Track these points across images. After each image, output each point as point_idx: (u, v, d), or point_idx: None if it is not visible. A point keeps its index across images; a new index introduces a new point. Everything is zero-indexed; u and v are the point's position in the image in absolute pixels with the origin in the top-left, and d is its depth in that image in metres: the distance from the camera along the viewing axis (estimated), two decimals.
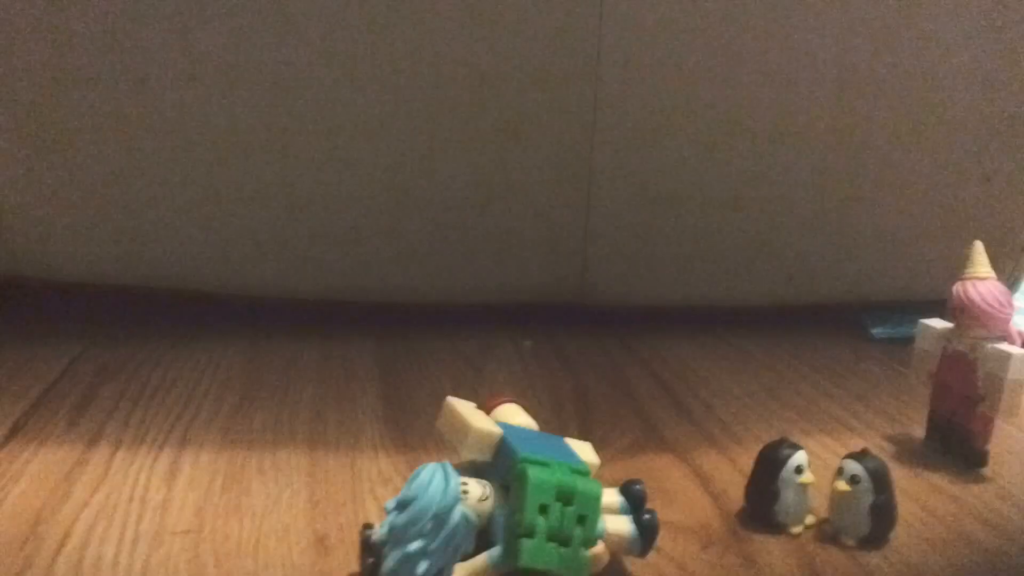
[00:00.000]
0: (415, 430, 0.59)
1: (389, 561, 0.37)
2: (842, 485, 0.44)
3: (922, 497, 0.51)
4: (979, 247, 0.53)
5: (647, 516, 0.41)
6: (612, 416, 0.62)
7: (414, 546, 0.36)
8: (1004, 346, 0.51)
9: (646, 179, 0.70)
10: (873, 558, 0.45)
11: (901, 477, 0.53)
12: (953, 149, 0.71)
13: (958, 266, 0.53)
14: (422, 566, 0.36)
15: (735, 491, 0.51)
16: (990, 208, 0.73)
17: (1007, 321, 0.52)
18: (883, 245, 0.74)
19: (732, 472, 0.54)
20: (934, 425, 0.57)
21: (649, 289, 0.76)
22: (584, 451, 0.43)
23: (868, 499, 0.44)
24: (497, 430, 0.41)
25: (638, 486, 0.43)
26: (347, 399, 0.64)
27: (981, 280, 0.52)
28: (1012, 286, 0.80)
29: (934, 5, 0.66)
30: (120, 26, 0.64)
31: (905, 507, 0.49)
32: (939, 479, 0.53)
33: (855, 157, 0.70)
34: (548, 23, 0.65)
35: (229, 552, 0.44)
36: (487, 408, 0.44)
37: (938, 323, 0.56)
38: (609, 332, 0.80)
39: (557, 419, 0.61)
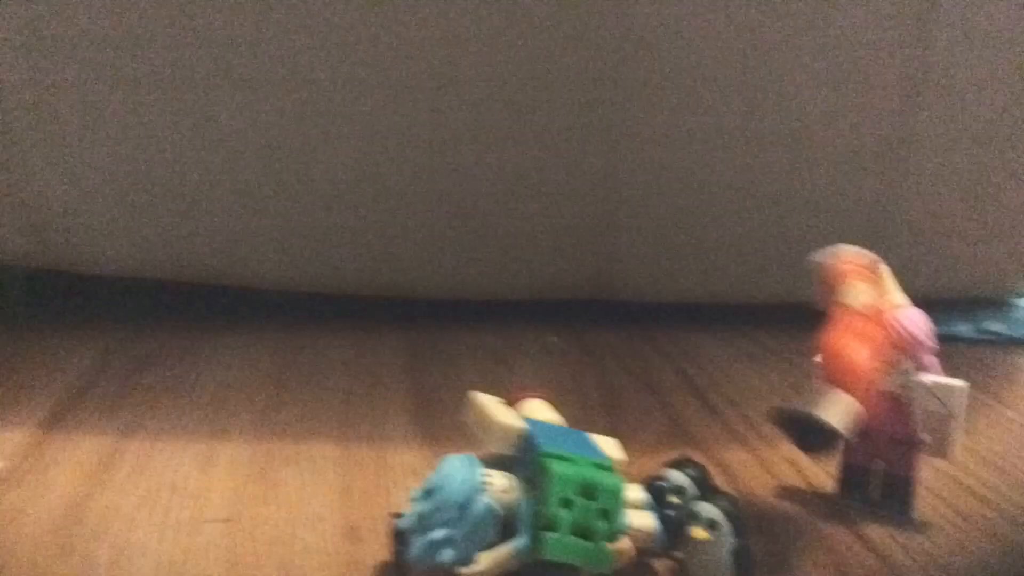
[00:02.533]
0: (443, 423, 0.60)
1: (414, 548, 0.38)
2: (700, 532, 0.40)
3: (950, 498, 0.51)
4: (887, 271, 0.47)
5: (671, 512, 0.42)
6: (638, 411, 0.62)
7: (439, 534, 0.37)
8: (946, 379, 0.46)
9: (672, 175, 0.70)
10: (903, 559, 0.45)
11: (928, 476, 0.53)
12: (980, 146, 0.71)
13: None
14: (446, 553, 0.37)
15: (760, 487, 0.52)
16: (1017, 206, 0.73)
17: (933, 351, 0.46)
18: (909, 243, 0.73)
19: (758, 468, 0.54)
20: (852, 480, 0.49)
21: (676, 285, 0.76)
22: (609, 447, 0.44)
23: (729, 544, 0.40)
24: (521, 424, 0.41)
25: (661, 482, 0.43)
26: (376, 392, 0.65)
27: (903, 309, 0.46)
28: None
29: (957, 2, 0.66)
30: (146, 26, 0.65)
31: (935, 508, 0.50)
32: (968, 479, 0.53)
33: (882, 154, 0.70)
34: (573, 22, 0.65)
35: (263, 540, 0.45)
36: (513, 402, 0.45)
37: None
38: (635, 328, 0.80)
39: (583, 414, 0.61)
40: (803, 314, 0.81)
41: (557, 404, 0.59)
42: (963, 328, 0.79)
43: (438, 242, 0.73)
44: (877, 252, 0.72)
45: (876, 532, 0.47)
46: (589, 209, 0.72)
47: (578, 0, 0.65)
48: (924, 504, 0.50)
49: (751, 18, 0.66)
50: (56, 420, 0.59)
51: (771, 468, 0.54)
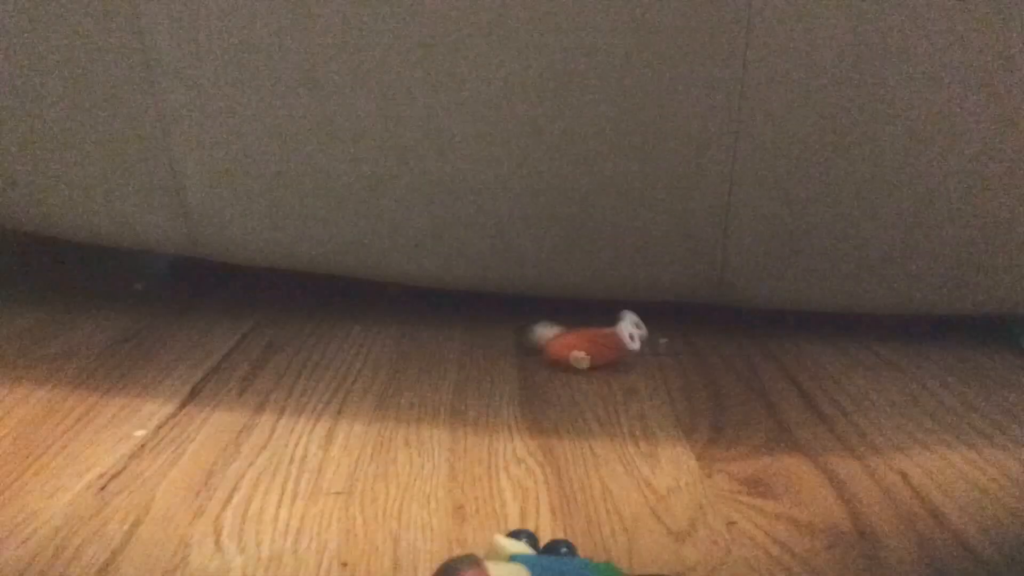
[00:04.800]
0: (549, 415, 0.61)
1: None
2: None
3: None
4: None
5: None
6: (744, 415, 0.62)
7: None
8: None
9: (788, 179, 0.70)
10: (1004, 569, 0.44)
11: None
12: None
13: None
14: None
15: (867, 496, 0.51)
16: None
17: None
18: None
19: (866, 479, 0.53)
20: None
21: (789, 292, 0.75)
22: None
23: None
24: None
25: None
26: (487, 383, 0.67)
27: None
28: None
29: None
30: (290, 32, 0.70)
31: None
32: None
33: (1009, 160, 0.68)
34: (695, 20, 0.66)
35: (376, 513, 0.48)
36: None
37: None
38: (746, 333, 0.80)
39: (689, 416, 0.62)
40: (921, 325, 0.80)
41: (663, 405, 0.60)
42: None
43: (554, 241, 0.75)
44: (1001, 263, 0.69)
45: (987, 548, 0.46)
46: (705, 212, 0.72)
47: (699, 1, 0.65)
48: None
49: (869, 19, 0.65)
50: (195, 395, 0.64)
51: (880, 479, 0.53)
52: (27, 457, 0.54)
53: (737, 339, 0.78)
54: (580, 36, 0.67)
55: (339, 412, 0.61)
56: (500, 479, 0.52)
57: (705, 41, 0.66)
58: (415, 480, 0.52)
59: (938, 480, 0.53)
